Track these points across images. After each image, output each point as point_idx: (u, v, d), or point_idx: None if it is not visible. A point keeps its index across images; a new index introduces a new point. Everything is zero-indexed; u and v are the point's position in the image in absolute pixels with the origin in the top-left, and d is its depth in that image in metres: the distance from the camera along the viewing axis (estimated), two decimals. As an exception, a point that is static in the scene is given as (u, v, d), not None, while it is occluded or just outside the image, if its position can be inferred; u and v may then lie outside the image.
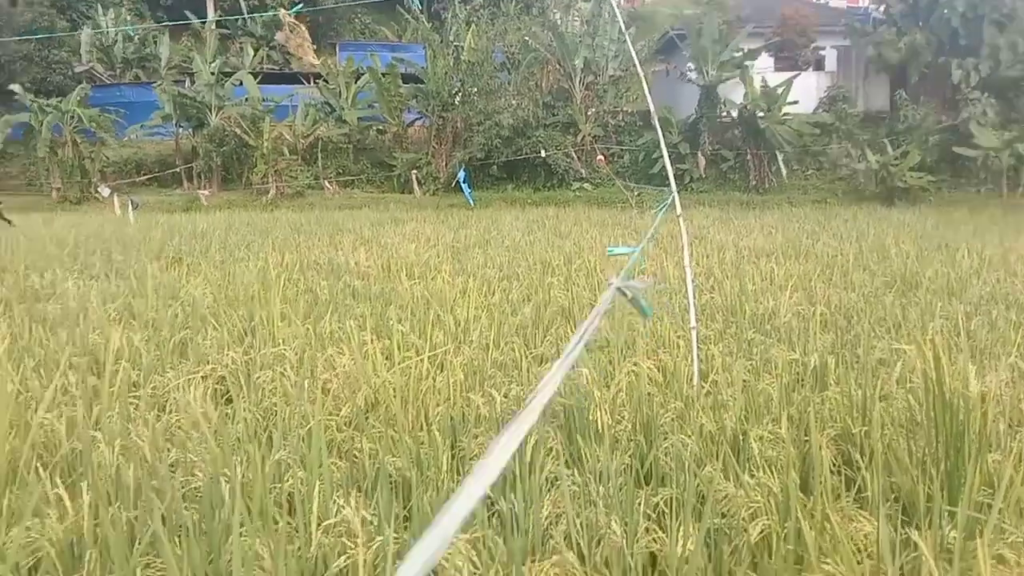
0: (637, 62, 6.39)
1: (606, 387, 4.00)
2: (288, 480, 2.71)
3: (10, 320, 6.18)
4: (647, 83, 5.69)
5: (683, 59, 29.59)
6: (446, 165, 29.95)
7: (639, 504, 2.74)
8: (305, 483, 2.65)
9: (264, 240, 13.93)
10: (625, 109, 30.93)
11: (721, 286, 8.11)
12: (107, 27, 38.94)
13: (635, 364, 4.40)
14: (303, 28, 8.53)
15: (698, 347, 4.73)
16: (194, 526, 2.36)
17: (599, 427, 3.38)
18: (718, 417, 3.77)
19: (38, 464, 2.83)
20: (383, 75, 30.93)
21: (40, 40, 35.10)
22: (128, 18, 41.24)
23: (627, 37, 7.53)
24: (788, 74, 28.22)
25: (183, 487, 2.75)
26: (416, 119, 32.57)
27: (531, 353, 5.18)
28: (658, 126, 5.81)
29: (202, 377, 4.42)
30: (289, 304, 6.74)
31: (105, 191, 29.14)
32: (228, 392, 4.37)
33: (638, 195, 23.44)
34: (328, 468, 2.83)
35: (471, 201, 26.49)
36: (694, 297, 4.72)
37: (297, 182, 29.65)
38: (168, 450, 3.21)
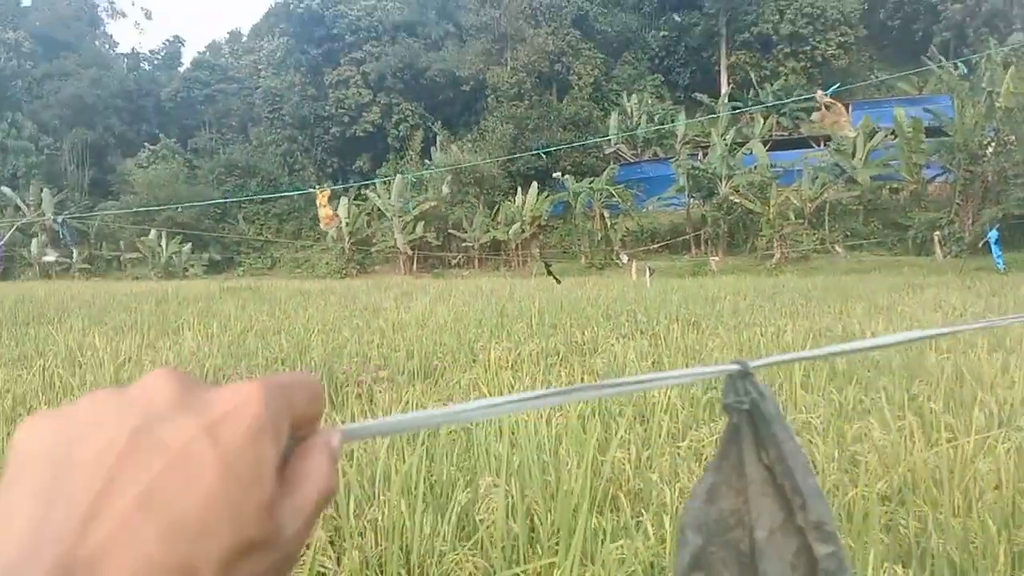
0: None
1: None
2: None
3: (569, 369, 7.42)
4: None
5: None
6: (972, 224, 26.85)
7: None
8: (852, 549, 2.77)
9: (772, 305, 14.15)
10: None
11: None
12: (632, 112, 43.84)
13: None
14: (839, 106, 8.66)
15: None
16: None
17: None
18: None
19: (618, 493, 3.45)
20: (904, 129, 29.14)
21: (579, 128, 41.17)
22: (650, 101, 45.84)
23: None
24: None
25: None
26: (937, 175, 29.92)
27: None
28: None
29: (733, 435, 4.80)
30: (807, 374, 6.84)
31: (624, 258, 32.65)
32: (757, 452, 4.68)
33: None
34: (875, 538, 2.91)
35: (1000, 264, 23.28)
36: None
37: (802, 246, 29.42)
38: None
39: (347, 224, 40.44)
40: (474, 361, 8.20)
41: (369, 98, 50.70)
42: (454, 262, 39.24)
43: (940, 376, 6.55)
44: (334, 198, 42.55)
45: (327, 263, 42.00)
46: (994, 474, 3.76)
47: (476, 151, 40.90)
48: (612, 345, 8.84)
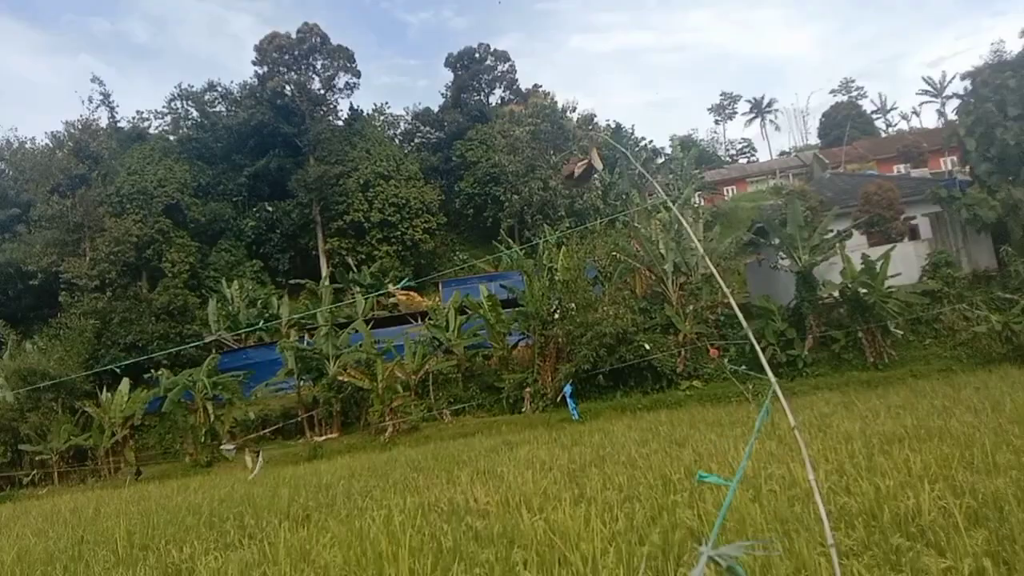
0: (709, 263, 6.58)
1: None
2: None
3: (157, 603, 6.44)
4: (722, 279, 6.00)
5: (773, 248, 30.05)
6: (552, 380, 30.32)
7: None
8: None
9: (385, 484, 14.18)
10: (724, 302, 30.96)
11: (857, 484, 7.72)
12: (232, 298, 42.81)
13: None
14: (415, 296, 9.32)
15: (840, 563, 4.48)
16: None
17: None
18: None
19: None
20: (485, 303, 32.50)
21: (174, 318, 38.86)
22: (251, 286, 45.32)
23: (696, 241, 7.94)
24: (884, 248, 28.13)
25: None
26: (519, 340, 33.57)
27: (664, 589, 5.02)
28: (741, 316, 5.87)
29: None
30: (415, 557, 6.79)
31: (230, 447, 30.75)
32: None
33: (753, 387, 23.02)
34: None
35: (575, 415, 26.58)
36: (826, 516, 4.53)
37: (412, 417, 30.44)
38: None
39: None
40: (34, 614, 6.75)
41: (-93, 295, 42.65)
42: (27, 480, 33.21)
43: (534, 539, 6.92)
44: None
45: None
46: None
47: (52, 350, 36.18)
48: (212, 562, 7.96)
